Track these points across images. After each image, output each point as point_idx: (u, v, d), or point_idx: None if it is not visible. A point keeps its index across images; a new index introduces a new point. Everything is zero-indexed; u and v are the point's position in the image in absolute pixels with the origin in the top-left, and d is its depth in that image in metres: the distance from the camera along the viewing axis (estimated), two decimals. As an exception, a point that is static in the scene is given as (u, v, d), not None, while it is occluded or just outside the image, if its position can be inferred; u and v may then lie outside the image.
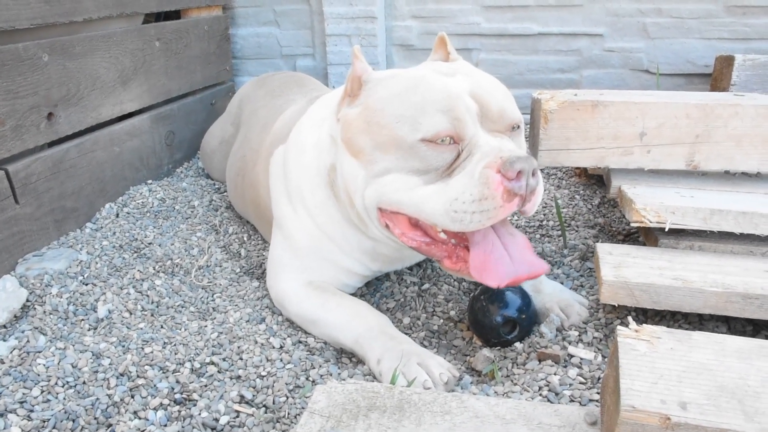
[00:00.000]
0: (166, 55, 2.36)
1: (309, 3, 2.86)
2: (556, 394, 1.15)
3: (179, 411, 1.22)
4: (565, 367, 1.24)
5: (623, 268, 1.26)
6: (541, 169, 2.43)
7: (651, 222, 1.39)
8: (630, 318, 0.95)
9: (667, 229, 1.38)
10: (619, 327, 0.91)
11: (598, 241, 1.79)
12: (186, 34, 2.49)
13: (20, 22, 1.69)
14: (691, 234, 1.44)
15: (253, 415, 1.20)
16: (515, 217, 2.02)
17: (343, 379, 1.20)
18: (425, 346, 1.45)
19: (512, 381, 1.25)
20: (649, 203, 1.39)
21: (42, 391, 1.27)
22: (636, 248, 1.39)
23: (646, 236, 1.53)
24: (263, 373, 1.32)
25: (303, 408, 1.21)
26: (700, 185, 1.55)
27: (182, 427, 1.17)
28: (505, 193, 1.12)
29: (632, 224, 1.41)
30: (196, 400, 1.24)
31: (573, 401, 1.14)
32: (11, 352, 1.37)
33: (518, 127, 1.29)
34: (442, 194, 1.18)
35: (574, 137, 1.50)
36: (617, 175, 1.61)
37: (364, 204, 1.31)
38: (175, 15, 2.61)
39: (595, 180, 2.30)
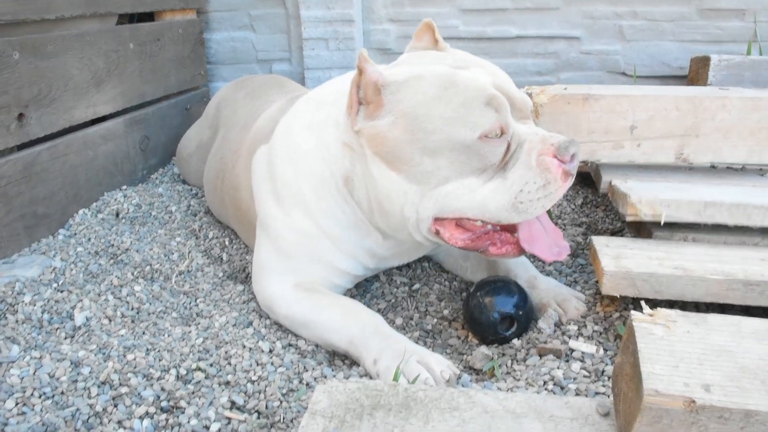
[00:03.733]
0: (140, 58, 2.29)
1: (285, 6, 2.83)
2: (562, 387, 1.12)
3: (167, 419, 1.15)
4: (567, 361, 1.22)
5: (623, 259, 1.24)
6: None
7: (646, 215, 1.38)
8: (643, 302, 0.93)
9: (663, 223, 1.37)
10: (633, 312, 0.88)
11: (586, 239, 1.78)
12: (161, 36, 2.43)
13: (-11, 17, 1.62)
14: (684, 227, 1.43)
15: (245, 421, 1.14)
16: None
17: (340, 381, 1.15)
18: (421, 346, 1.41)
19: (514, 377, 1.21)
20: (643, 197, 1.38)
21: (17, 403, 1.18)
22: (632, 240, 1.38)
23: (638, 230, 1.52)
24: (254, 378, 1.26)
25: (299, 412, 1.16)
26: (688, 179, 1.55)
27: (171, 435, 1.11)
28: (563, 174, 1.19)
29: (627, 218, 1.40)
30: (184, 408, 1.18)
31: (579, 395, 1.11)
32: (-18, 363, 1.28)
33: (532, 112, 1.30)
34: (504, 190, 1.20)
35: (565, 131, 1.49)
36: (607, 170, 1.61)
37: (418, 217, 1.26)
38: (148, 18, 2.54)
39: (577, 180, 2.30)
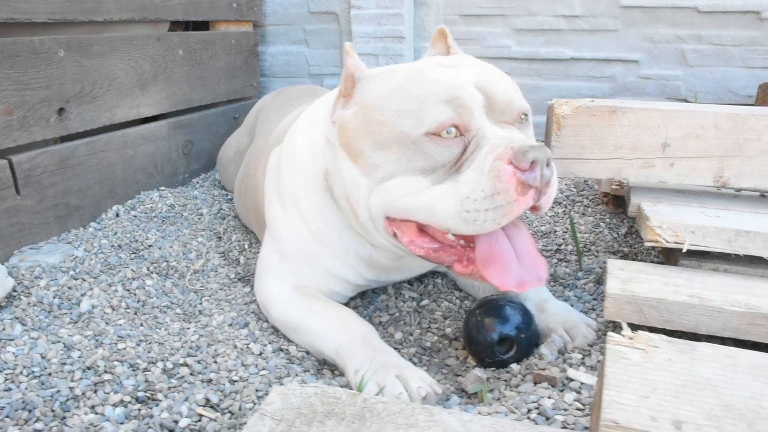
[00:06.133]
0: (189, 64, 2.36)
1: (338, 22, 2.86)
2: (547, 418, 1.02)
3: (139, 410, 1.14)
4: (562, 391, 1.11)
5: (633, 283, 1.13)
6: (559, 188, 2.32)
7: (667, 242, 1.25)
8: (625, 324, 0.82)
9: (685, 250, 1.24)
10: (609, 333, 0.78)
11: (618, 267, 1.65)
12: (212, 45, 2.50)
13: (38, 15, 1.71)
14: (716, 257, 1.29)
15: (216, 420, 1.11)
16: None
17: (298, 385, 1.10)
18: (415, 363, 1.33)
19: (501, 403, 1.11)
20: (666, 221, 1.26)
21: (5, 379, 1.21)
22: (652, 266, 1.25)
23: (666, 259, 1.39)
24: (235, 378, 1.23)
25: (269, 416, 1.11)
26: (730, 206, 1.40)
27: (138, 425, 1.09)
28: (518, 185, 1.03)
29: (647, 243, 1.27)
30: (160, 400, 1.16)
31: (566, 427, 1.00)
32: (-19, 338, 1.32)
33: (526, 117, 1.20)
34: (452, 194, 1.09)
35: (589, 146, 1.39)
36: (638, 193, 1.49)
37: (370, 214, 1.22)
38: (203, 27, 2.63)
39: (623, 209, 2.15)
